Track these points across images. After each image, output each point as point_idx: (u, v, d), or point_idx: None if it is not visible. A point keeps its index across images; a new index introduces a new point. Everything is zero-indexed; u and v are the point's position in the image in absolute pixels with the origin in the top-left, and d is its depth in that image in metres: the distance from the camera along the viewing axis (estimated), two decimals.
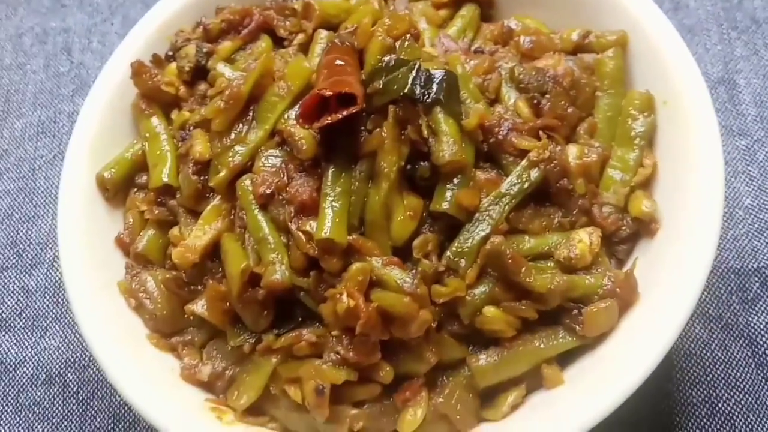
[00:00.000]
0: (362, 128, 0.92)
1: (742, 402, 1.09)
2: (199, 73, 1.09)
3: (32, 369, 1.23)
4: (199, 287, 0.98)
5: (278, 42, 1.11)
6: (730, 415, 1.08)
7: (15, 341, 1.26)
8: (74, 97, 1.49)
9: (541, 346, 0.91)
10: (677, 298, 0.87)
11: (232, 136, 0.98)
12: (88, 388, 1.21)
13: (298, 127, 0.92)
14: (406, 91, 0.90)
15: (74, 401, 1.20)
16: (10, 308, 1.29)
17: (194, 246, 0.96)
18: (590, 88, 1.01)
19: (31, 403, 1.21)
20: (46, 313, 1.28)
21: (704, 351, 1.12)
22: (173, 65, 1.10)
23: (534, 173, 0.93)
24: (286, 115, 0.97)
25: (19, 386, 1.22)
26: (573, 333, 0.91)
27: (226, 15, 1.12)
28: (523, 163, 0.93)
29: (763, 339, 1.12)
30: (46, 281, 1.30)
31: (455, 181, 0.90)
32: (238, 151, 0.97)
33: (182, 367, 0.99)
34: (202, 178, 1.00)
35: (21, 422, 1.20)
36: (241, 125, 0.99)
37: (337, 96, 0.87)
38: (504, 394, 0.93)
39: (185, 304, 0.98)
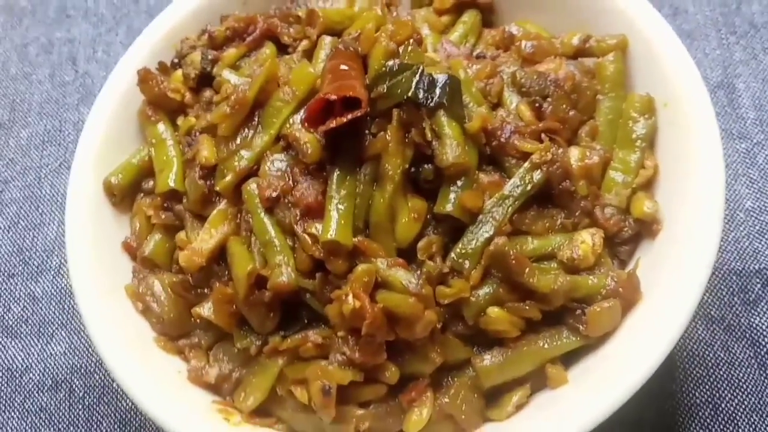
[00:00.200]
0: (366, 132, 0.92)
1: (745, 402, 1.09)
2: (205, 80, 1.10)
3: (38, 375, 1.24)
4: (206, 290, 0.99)
5: (282, 49, 1.11)
6: (733, 415, 1.09)
7: (21, 347, 1.26)
8: (79, 106, 1.50)
9: (545, 346, 0.92)
10: (679, 298, 0.87)
11: (238, 140, 0.99)
12: (94, 394, 1.21)
13: (304, 131, 0.93)
14: (409, 94, 0.90)
15: (80, 407, 1.21)
16: (17, 315, 1.29)
17: (201, 249, 0.97)
18: (591, 91, 1.01)
19: (38, 409, 1.21)
20: (52, 320, 1.28)
21: (707, 352, 1.12)
22: (179, 72, 1.11)
23: (536, 175, 0.93)
24: (291, 120, 0.97)
25: (25, 392, 1.22)
26: (576, 333, 0.92)
27: (231, 23, 1.13)
28: (526, 165, 0.94)
29: (766, 340, 1.12)
30: (52, 288, 1.31)
31: (459, 183, 0.91)
32: (243, 156, 0.97)
33: (189, 370, 1.00)
34: (208, 182, 1.00)
35: (27, 428, 1.20)
36: (246, 130, 0.99)
37: (342, 100, 0.88)
38: (509, 394, 0.93)
39: (192, 307, 0.98)
